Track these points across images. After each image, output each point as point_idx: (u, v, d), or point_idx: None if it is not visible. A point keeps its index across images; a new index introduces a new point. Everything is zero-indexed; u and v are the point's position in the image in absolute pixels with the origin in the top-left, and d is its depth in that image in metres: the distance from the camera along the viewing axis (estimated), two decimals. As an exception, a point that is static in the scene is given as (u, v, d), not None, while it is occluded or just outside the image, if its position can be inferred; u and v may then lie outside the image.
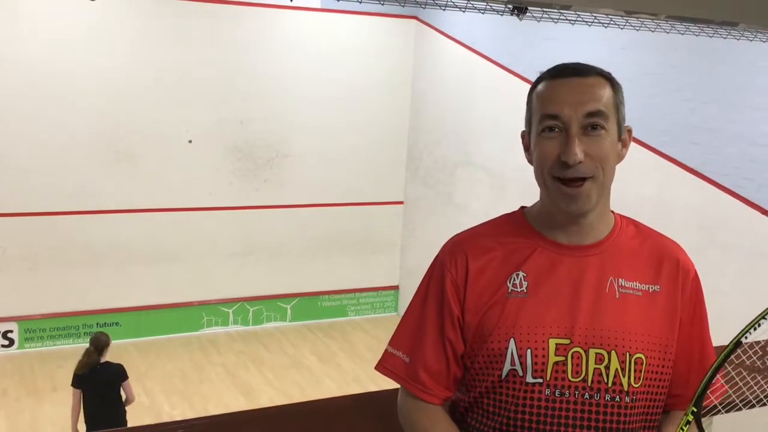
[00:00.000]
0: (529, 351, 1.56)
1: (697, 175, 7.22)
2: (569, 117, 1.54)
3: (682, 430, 1.56)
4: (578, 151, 1.52)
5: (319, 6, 10.95)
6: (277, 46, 10.85)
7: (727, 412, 1.72)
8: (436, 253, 1.73)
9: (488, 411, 1.64)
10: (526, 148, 1.68)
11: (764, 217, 6.63)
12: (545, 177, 1.58)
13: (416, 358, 1.68)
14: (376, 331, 11.46)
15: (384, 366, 1.73)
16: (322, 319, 11.82)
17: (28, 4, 9.43)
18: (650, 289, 1.62)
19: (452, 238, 1.74)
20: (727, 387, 1.69)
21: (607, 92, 1.58)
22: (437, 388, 1.67)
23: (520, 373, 1.57)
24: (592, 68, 1.61)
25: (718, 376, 1.57)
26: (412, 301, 1.74)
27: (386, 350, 1.74)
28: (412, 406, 1.70)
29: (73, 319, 10.28)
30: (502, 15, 5.25)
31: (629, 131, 1.65)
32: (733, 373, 1.70)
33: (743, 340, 1.56)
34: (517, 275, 1.62)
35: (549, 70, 1.62)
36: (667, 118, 7.43)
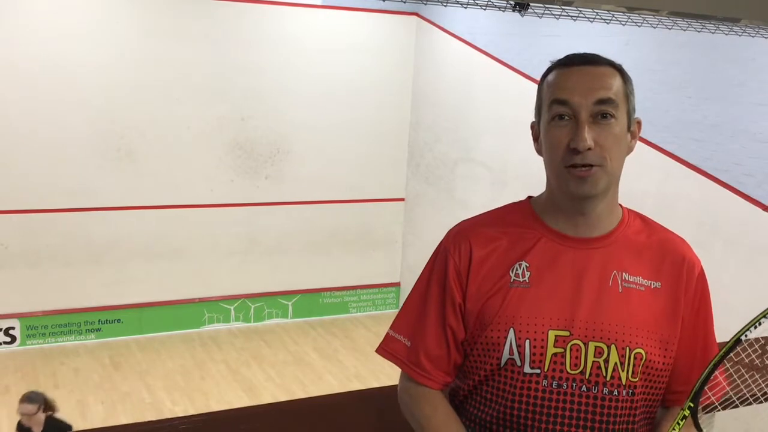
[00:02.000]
0: (527, 341, 1.57)
1: (698, 171, 7.21)
2: (579, 104, 1.54)
3: (678, 424, 1.56)
4: (588, 138, 1.52)
5: (320, 3, 10.94)
6: (279, 43, 10.84)
7: (723, 409, 1.72)
8: (441, 239, 1.74)
9: (486, 398, 1.65)
10: (535, 138, 1.67)
11: (765, 212, 6.63)
12: (556, 166, 1.57)
13: (417, 342, 1.68)
14: (378, 328, 11.46)
15: (385, 349, 1.74)
16: (323, 316, 11.83)
17: (28, 2, 9.43)
18: (652, 285, 1.62)
19: (457, 225, 1.74)
20: (725, 385, 1.69)
21: (617, 82, 1.58)
22: (437, 373, 1.68)
23: (518, 363, 1.57)
24: (603, 58, 1.61)
25: (716, 372, 1.57)
26: (415, 285, 1.75)
27: (388, 334, 1.75)
28: (412, 391, 1.71)
29: (75, 316, 10.29)
30: (504, 11, 5.25)
31: (639, 123, 1.65)
32: (731, 371, 1.70)
33: (743, 338, 1.56)
34: (520, 265, 1.62)
35: (560, 60, 1.62)
36: (668, 114, 7.43)
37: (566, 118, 1.55)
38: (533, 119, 1.67)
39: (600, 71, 1.57)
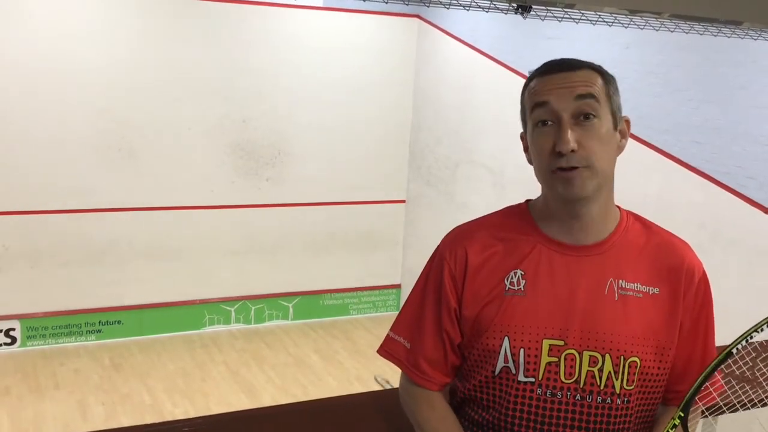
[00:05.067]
0: (522, 350, 1.57)
1: (699, 173, 7.21)
2: (559, 104, 1.53)
3: None
4: (571, 139, 1.51)
5: (321, 4, 10.95)
6: (279, 44, 10.84)
7: (711, 415, 1.73)
8: (438, 243, 1.74)
9: (483, 403, 1.66)
10: (525, 149, 1.68)
11: (766, 216, 6.62)
12: (544, 172, 1.57)
13: (416, 345, 1.70)
14: (378, 330, 11.45)
15: (385, 350, 1.76)
16: (324, 318, 11.83)
17: (29, 1, 9.43)
18: (650, 291, 1.61)
19: (454, 229, 1.74)
20: (716, 395, 1.69)
21: (598, 82, 1.57)
22: (436, 374, 1.70)
23: (513, 371, 1.58)
24: (582, 62, 1.60)
25: (707, 383, 1.57)
26: (413, 289, 1.76)
27: (388, 335, 1.77)
28: (411, 391, 1.73)
29: (76, 317, 10.29)
30: (506, 13, 5.24)
31: (627, 121, 1.63)
32: (722, 382, 1.71)
33: (734, 350, 1.56)
34: (515, 273, 1.61)
35: (538, 68, 1.62)
36: (670, 116, 7.42)
37: (549, 123, 1.55)
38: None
39: (579, 74, 1.56)
